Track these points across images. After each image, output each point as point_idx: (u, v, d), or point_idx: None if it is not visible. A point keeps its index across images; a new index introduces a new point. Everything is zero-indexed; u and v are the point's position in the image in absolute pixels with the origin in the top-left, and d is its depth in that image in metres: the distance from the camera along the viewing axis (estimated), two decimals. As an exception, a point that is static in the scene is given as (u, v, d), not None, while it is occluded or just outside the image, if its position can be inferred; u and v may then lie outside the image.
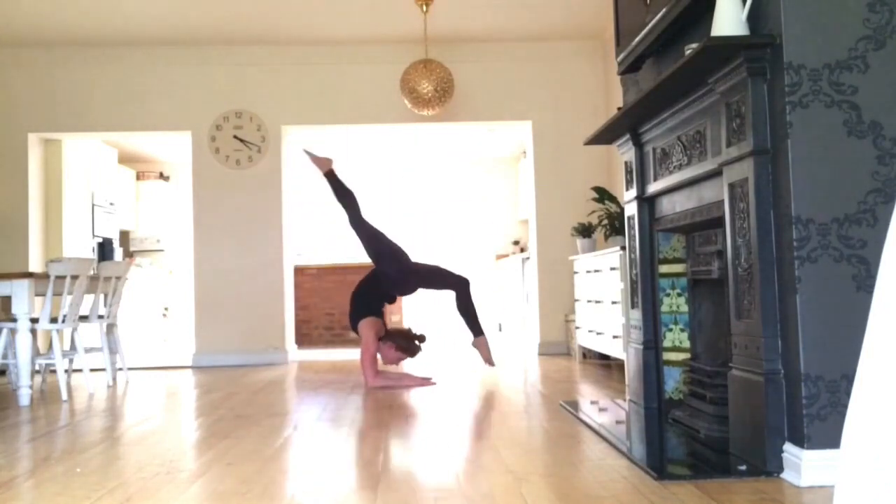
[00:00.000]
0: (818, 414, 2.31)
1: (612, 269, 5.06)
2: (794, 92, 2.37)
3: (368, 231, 5.22)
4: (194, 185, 6.95)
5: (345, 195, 5.26)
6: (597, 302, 5.48)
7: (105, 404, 4.53)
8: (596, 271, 5.49)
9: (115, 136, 7.41)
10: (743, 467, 2.48)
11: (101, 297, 5.42)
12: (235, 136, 6.97)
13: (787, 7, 2.37)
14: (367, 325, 5.01)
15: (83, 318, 5.37)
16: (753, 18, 2.53)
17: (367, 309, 5.08)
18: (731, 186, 2.65)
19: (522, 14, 6.38)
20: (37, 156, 7.00)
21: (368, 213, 5.42)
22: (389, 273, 5.14)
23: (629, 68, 3.64)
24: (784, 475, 2.38)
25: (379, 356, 5.09)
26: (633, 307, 3.80)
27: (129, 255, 10.50)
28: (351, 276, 8.11)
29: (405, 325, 5.15)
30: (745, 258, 2.57)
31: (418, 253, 11.31)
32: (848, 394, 2.30)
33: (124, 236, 10.53)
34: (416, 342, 5.09)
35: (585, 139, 4.03)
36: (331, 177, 5.29)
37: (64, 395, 4.73)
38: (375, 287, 5.16)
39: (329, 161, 5.34)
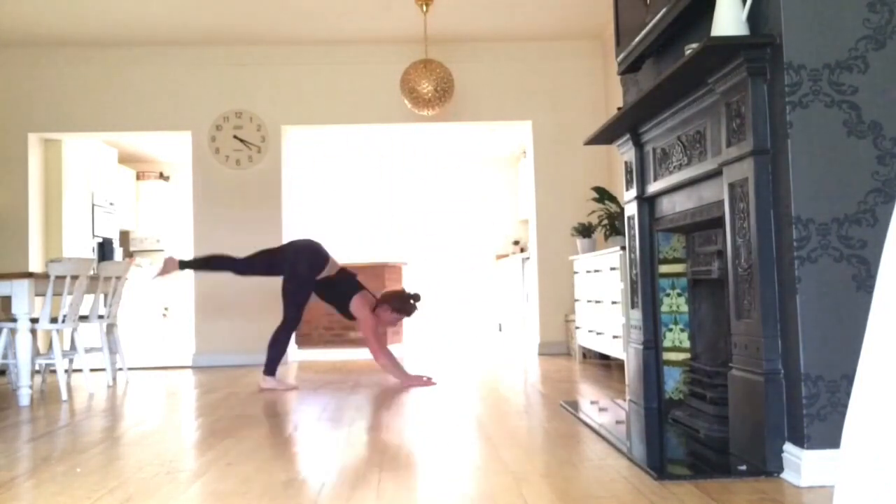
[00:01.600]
0: (818, 414, 2.31)
1: (612, 269, 5.06)
2: (794, 92, 2.37)
3: (262, 263, 5.17)
4: (194, 185, 6.95)
5: (214, 264, 5.22)
6: (597, 302, 5.48)
7: (105, 404, 4.53)
8: (596, 271, 5.49)
9: (115, 136, 7.41)
10: (743, 467, 2.48)
11: (101, 297, 5.42)
12: (235, 136, 6.97)
13: (787, 7, 2.37)
14: (358, 304, 5.05)
15: (83, 318, 5.37)
16: (753, 18, 2.53)
17: (347, 292, 5.09)
18: (731, 186, 2.65)
19: (522, 14, 6.38)
20: (37, 156, 7.00)
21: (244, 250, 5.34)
22: (302, 270, 5.09)
23: (629, 68, 3.64)
24: (784, 475, 2.38)
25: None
26: (633, 307, 3.80)
27: (129, 255, 10.50)
28: (351, 276, 8.10)
29: (397, 288, 5.15)
30: (745, 258, 2.57)
31: (419, 254, 11.32)
32: (848, 394, 2.30)
33: (124, 236, 10.53)
34: (412, 301, 5.10)
35: (585, 139, 4.03)
36: (186, 266, 5.18)
37: (64, 395, 4.73)
38: (330, 279, 5.13)
39: (171, 261, 5.17)
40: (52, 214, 7.19)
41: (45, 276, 4.85)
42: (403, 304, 5.08)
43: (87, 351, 5.26)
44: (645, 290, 3.65)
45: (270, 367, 5.03)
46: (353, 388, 4.97)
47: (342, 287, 5.12)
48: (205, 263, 5.28)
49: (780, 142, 2.41)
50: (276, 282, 6.92)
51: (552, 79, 7.06)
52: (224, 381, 5.59)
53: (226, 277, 6.89)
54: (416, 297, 5.11)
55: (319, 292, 5.16)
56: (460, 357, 7.01)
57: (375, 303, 5.11)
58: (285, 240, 7.00)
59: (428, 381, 5.02)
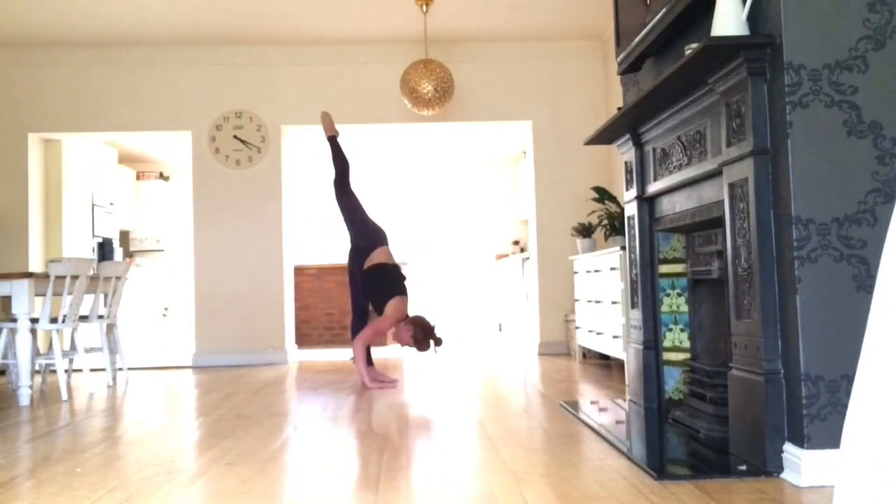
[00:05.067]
0: (818, 414, 2.31)
1: (612, 269, 5.06)
2: (794, 92, 2.37)
3: (350, 203, 5.28)
4: (194, 185, 6.95)
5: (342, 160, 5.39)
6: (597, 302, 5.48)
7: (105, 404, 4.53)
8: (596, 271, 5.49)
9: (115, 136, 7.41)
10: (743, 467, 2.48)
11: (101, 297, 5.42)
12: (235, 136, 6.97)
13: (787, 7, 2.37)
14: (394, 305, 5.00)
15: (83, 318, 5.37)
16: (753, 18, 2.54)
17: (390, 291, 5.06)
18: (731, 186, 2.65)
19: (522, 14, 6.38)
20: (37, 156, 7.00)
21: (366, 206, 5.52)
22: (362, 245, 5.19)
23: (629, 68, 3.64)
24: (784, 475, 2.38)
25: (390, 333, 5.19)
26: (633, 307, 3.80)
27: (129, 255, 10.50)
28: (351, 276, 8.09)
29: (430, 321, 5.08)
30: (745, 258, 2.57)
31: (419, 254, 11.31)
32: (848, 394, 2.30)
33: (124, 236, 10.54)
34: (431, 341, 5.02)
35: (585, 139, 4.04)
36: (333, 142, 5.48)
37: (64, 395, 4.73)
38: (375, 270, 5.12)
39: (336, 132, 5.53)
40: (52, 214, 7.19)
41: (45, 276, 4.85)
42: (424, 337, 4.98)
43: (87, 351, 5.26)
44: (645, 290, 3.65)
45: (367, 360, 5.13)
46: (353, 388, 4.97)
47: (387, 281, 5.08)
48: (341, 158, 5.41)
49: (780, 142, 2.41)
50: (275, 283, 6.94)
51: (552, 79, 7.06)
52: (224, 381, 5.59)
53: (225, 277, 6.90)
54: (438, 342, 5.04)
55: (377, 275, 5.12)
56: (460, 357, 7.01)
57: (405, 317, 5.05)
58: (284, 239, 7.01)
59: (389, 384, 4.97)
